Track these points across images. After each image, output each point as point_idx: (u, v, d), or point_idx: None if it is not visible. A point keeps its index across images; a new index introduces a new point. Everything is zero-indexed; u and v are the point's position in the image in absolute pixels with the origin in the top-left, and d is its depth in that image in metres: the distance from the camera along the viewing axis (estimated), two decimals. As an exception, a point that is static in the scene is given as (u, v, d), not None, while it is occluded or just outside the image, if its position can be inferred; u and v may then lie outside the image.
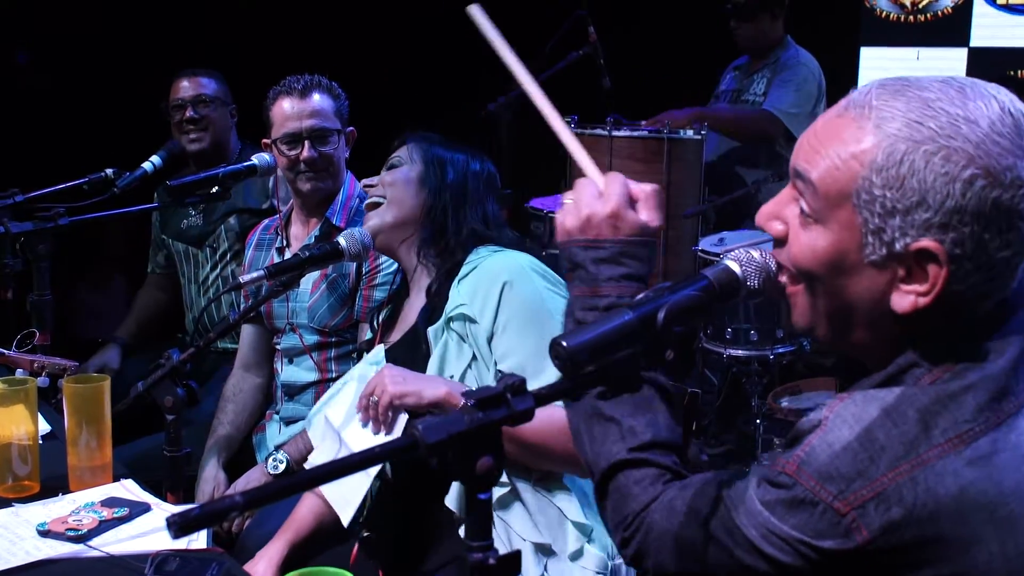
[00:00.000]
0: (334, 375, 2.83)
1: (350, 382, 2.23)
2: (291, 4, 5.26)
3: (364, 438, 2.10)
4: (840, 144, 1.24)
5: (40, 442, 2.17)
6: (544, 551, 2.05)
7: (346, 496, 2.16)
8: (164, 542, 1.85)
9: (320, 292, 2.83)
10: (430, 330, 2.17)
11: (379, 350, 2.31)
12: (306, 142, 2.82)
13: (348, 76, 3.02)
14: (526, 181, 4.40)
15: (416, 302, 2.31)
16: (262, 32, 5.05)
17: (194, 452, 2.64)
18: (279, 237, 2.99)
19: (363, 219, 2.82)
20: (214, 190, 2.94)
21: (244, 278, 2.27)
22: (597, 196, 1.45)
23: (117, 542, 1.89)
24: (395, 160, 2.34)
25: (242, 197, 3.50)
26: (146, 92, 3.82)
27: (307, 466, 2.31)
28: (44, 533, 1.90)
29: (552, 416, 2.00)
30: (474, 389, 2.03)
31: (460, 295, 2.14)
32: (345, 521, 2.16)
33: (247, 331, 3.03)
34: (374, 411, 2.06)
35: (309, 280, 2.81)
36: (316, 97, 2.85)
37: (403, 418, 2.07)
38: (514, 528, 2.05)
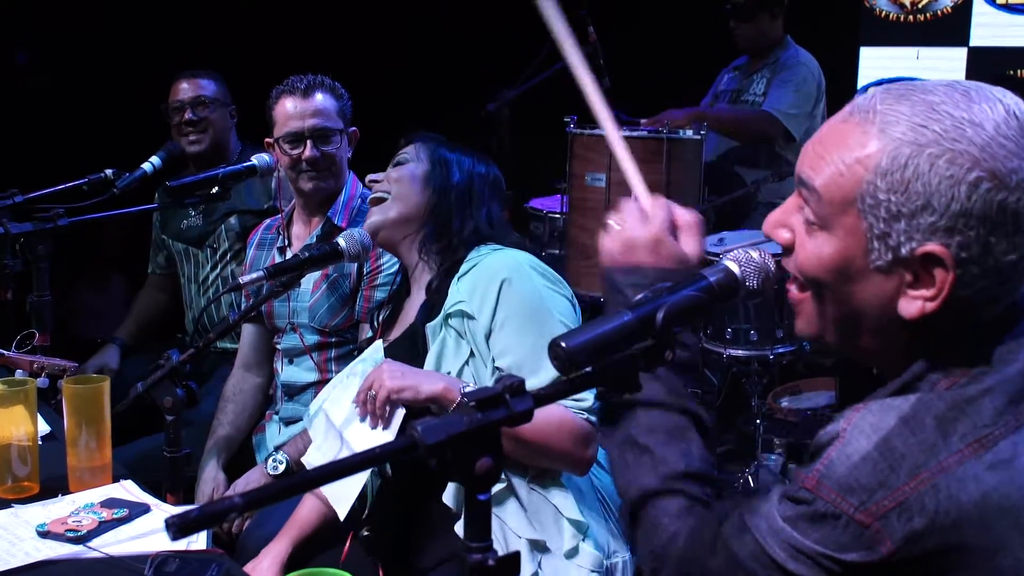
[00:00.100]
0: (334, 376, 2.82)
1: (351, 379, 2.23)
2: (291, 5, 5.26)
3: (366, 438, 2.10)
4: (844, 149, 1.24)
5: (40, 443, 2.16)
6: (539, 548, 2.05)
7: (342, 490, 2.16)
8: (164, 543, 1.85)
9: (321, 292, 2.83)
10: (428, 326, 2.17)
11: (378, 345, 2.31)
12: (308, 141, 2.82)
13: (348, 76, 3.02)
14: (526, 181, 4.40)
15: (416, 300, 2.31)
16: (262, 33, 5.05)
17: (194, 453, 2.64)
18: (281, 237, 2.99)
19: (366, 215, 2.84)
20: (214, 191, 2.94)
21: (244, 279, 2.27)
22: (641, 220, 1.44)
23: (117, 543, 1.89)
24: (401, 157, 2.35)
25: (243, 197, 3.50)
26: (146, 93, 3.82)
27: (305, 460, 2.31)
28: (44, 534, 1.90)
29: (549, 414, 2.00)
30: (472, 385, 2.05)
31: (459, 292, 2.14)
32: (342, 515, 2.16)
33: (248, 331, 3.03)
34: (372, 405, 2.07)
35: (310, 280, 2.81)
36: (319, 97, 2.85)
37: (400, 413, 2.08)
38: (509, 524, 2.05)
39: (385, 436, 2.07)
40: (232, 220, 3.52)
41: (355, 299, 2.81)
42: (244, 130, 3.70)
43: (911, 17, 5.22)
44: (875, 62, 5.39)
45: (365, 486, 2.24)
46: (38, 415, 2.19)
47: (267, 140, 2.90)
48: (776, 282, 1.43)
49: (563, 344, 1.25)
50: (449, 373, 2.11)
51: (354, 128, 2.95)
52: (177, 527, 1.04)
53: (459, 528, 2.05)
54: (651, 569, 1.37)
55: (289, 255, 2.85)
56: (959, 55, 5.01)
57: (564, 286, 2.19)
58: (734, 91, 4.89)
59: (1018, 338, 1.23)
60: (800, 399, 4.47)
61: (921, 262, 1.20)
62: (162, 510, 2.02)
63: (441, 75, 5.39)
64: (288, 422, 2.89)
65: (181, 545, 1.81)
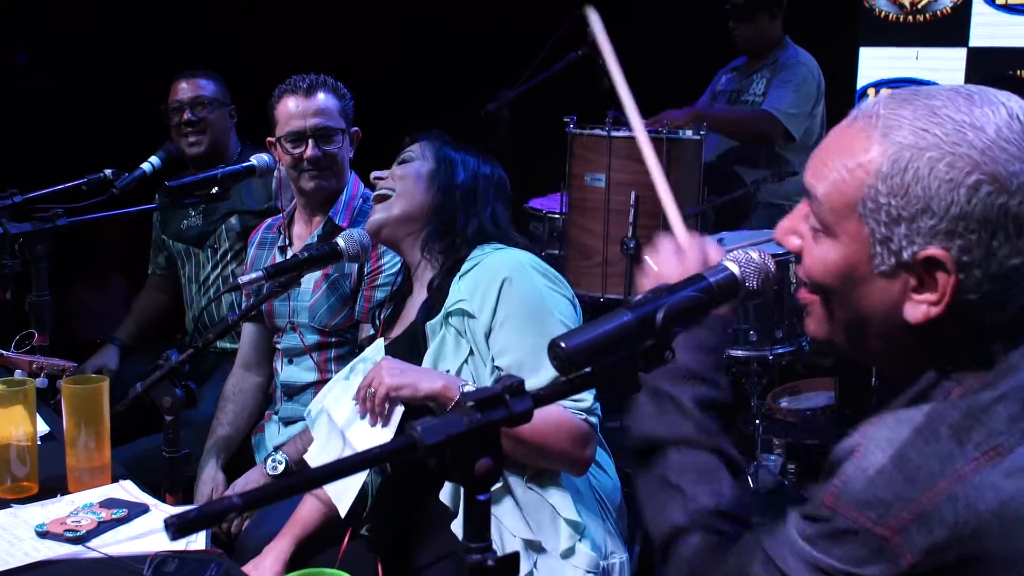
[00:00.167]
0: (333, 376, 2.82)
1: (353, 377, 2.23)
2: (291, 5, 5.26)
3: (367, 436, 2.10)
4: (847, 155, 1.24)
5: (39, 443, 2.16)
6: (534, 548, 2.05)
7: (343, 488, 2.17)
8: (163, 543, 1.85)
9: (321, 292, 2.83)
10: (428, 324, 2.18)
11: (379, 343, 2.32)
12: (310, 140, 2.82)
13: (347, 76, 3.01)
14: (525, 181, 4.39)
15: (418, 298, 2.31)
16: (262, 33, 5.05)
17: (193, 453, 2.63)
18: (282, 236, 2.99)
19: (369, 213, 2.83)
20: (213, 191, 2.94)
21: (243, 279, 2.27)
22: (676, 257, 1.44)
23: (116, 543, 1.89)
24: (407, 155, 2.35)
25: (243, 197, 3.50)
26: (146, 93, 3.82)
27: (307, 458, 2.32)
28: (43, 534, 1.90)
29: (548, 414, 2.00)
30: (471, 384, 2.05)
31: (460, 291, 2.14)
32: (343, 512, 2.16)
33: (248, 330, 3.03)
34: (371, 402, 2.07)
35: (311, 279, 2.81)
36: (321, 96, 2.85)
37: (399, 410, 2.08)
38: (505, 524, 2.05)
39: (385, 434, 2.07)
40: (232, 220, 3.52)
41: (355, 299, 2.81)
42: (244, 130, 3.70)
43: (910, 17, 5.22)
44: (874, 62, 5.39)
45: (366, 484, 2.25)
46: (37, 415, 2.18)
47: (269, 139, 2.90)
48: (776, 283, 1.43)
49: (563, 344, 1.25)
50: (448, 371, 2.11)
51: (356, 128, 2.95)
52: (176, 527, 1.04)
53: (455, 526, 2.06)
54: None
55: (290, 254, 2.84)
56: (958, 55, 5.01)
57: (565, 286, 2.19)
58: (733, 91, 4.89)
59: None
60: (799, 399, 4.47)
61: (923, 266, 1.20)
62: (161, 510, 2.02)
63: (441, 75, 5.39)
64: (287, 422, 2.89)
65: (180, 545, 1.81)
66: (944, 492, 1.14)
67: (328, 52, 4.00)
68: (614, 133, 4.13)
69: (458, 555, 1.17)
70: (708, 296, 1.36)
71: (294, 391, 2.90)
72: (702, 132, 4.30)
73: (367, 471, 2.17)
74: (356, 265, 2.77)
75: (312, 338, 2.86)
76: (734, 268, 1.40)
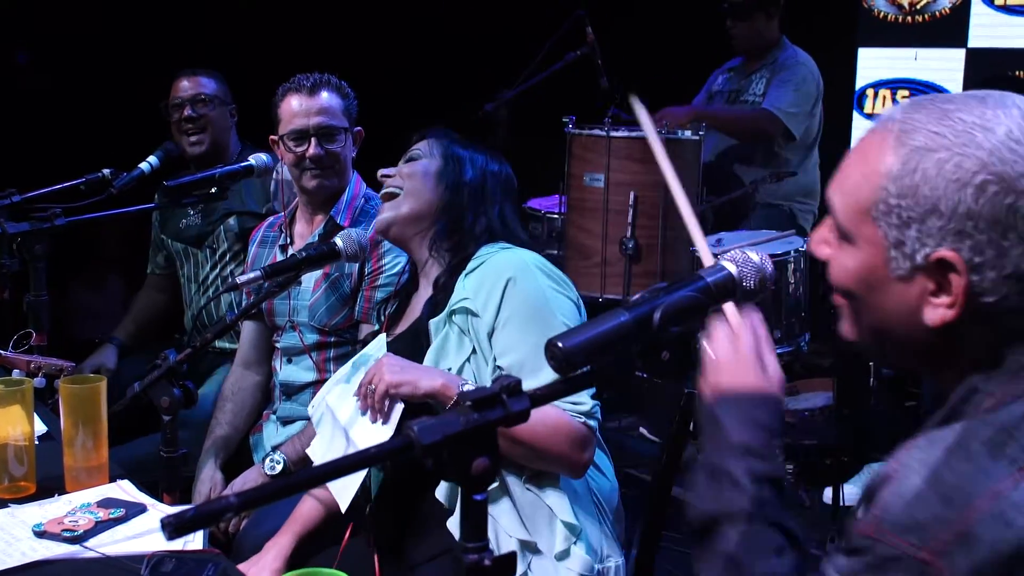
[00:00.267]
0: (332, 376, 2.83)
1: (355, 373, 2.24)
2: (291, 5, 5.26)
3: (369, 434, 2.10)
4: (863, 162, 1.26)
5: (36, 443, 2.16)
6: (530, 549, 2.05)
7: (344, 483, 2.17)
8: (160, 543, 1.84)
9: (321, 291, 2.83)
10: (432, 322, 2.17)
11: (381, 339, 2.32)
12: (313, 139, 2.82)
13: (346, 76, 3.01)
14: (524, 181, 4.39)
15: (424, 295, 2.31)
16: (262, 34, 5.05)
17: (191, 452, 2.63)
18: (283, 234, 2.98)
19: (372, 213, 2.83)
20: (212, 191, 2.93)
21: (241, 279, 2.27)
22: (729, 343, 1.42)
23: (113, 543, 1.89)
24: (414, 153, 2.34)
25: (242, 198, 3.50)
26: (145, 93, 3.82)
27: (309, 452, 2.32)
28: (40, 534, 1.89)
29: (546, 416, 2.00)
30: (471, 383, 2.05)
31: (465, 289, 2.14)
32: (343, 507, 2.17)
33: (248, 328, 3.03)
34: (371, 399, 2.07)
35: (311, 278, 2.81)
36: (325, 95, 2.85)
37: (399, 407, 2.08)
38: (501, 523, 2.04)
39: (386, 432, 2.07)
40: (231, 221, 3.52)
41: (355, 299, 2.81)
42: (245, 131, 3.70)
43: (909, 18, 5.22)
44: (873, 63, 5.39)
45: (367, 481, 2.24)
46: (35, 415, 2.18)
47: (272, 137, 2.90)
48: (774, 283, 1.43)
49: (560, 344, 1.25)
50: (449, 369, 2.11)
51: (359, 128, 2.95)
52: (173, 527, 1.04)
53: (451, 524, 2.06)
54: None
55: (291, 253, 2.84)
56: (957, 56, 5.01)
57: (570, 288, 2.19)
58: (731, 92, 4.89)
59: None
60: (798, 400, 4.47)
61: (937, 268, 1.20)
62: (159, 510, 2.02)
63: (439, 75, 5.39)
64: (286, 422, 2.89)
65: (177, 545, 1.82)
66: (982, 511, 1.12)
67: (327, 52, 4.00)
68: (613, 133, 4.14)
69: (454, 553, 1.17)
70: (706, 296, 1.36)
71: (293, 390, 2.90)
72: (701, 132, 4.30)
73: (368, 468, 2.17)
74: (357, 265, 2.77)
75: (311, 337, 2.86)
76: (732, 268, 1.40)
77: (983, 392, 1.21)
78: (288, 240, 2.97)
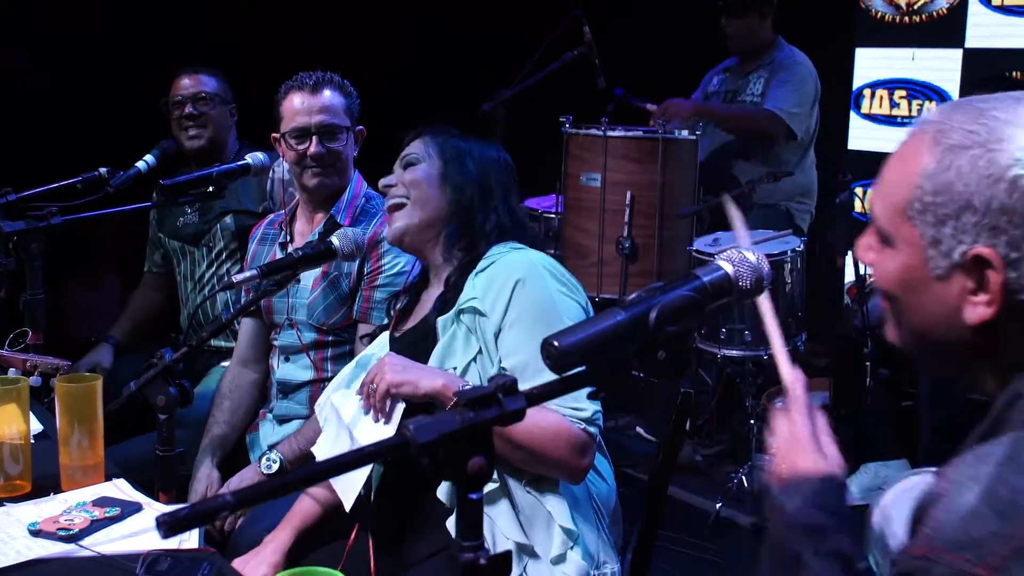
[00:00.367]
0: (329, 375, 2.83)
1: (359, 372, 2.24)
2: (290, 5, 5.26)
3: (372, 432, 2.10)
4: (901, 164, 1.27)
5: (32, 441, 2.16)
6: (526, 552, 2.04)
7: (348, 482, 2.17)
8: (156, 542, 1.84)
9: (320, 290, 2.83)
10: (439, 320, 2.17)
11: (384, 338, 2.31)
12: (314, 137, 2.81)
13: (344, 75, 3.01)
14: (521, 181, 4.41)
15: (434, 292, 2.30)
16: (262, 34, 5.05)
17: (187, 451, 2.63)
18: (283, 232, 2.98)
19: (373, 212, 2.82)
20: (209, 189, 2.93)
21: (237, 277, 2.27)
22: (787, 431, 1.43)
23: (108, 542, 1.89)
24: (411, 157, 2.31)
25: (239, 197, 3.50)
26: (143, 92, 3.81)
27: (314, 451, 2.32)
28: (35, 533, 1.89)
29: (547, 421, 2.00)
30: (470, 384, 2.05)
31: (474, 288, 2.13)
32: (347, 505, 2.17)
33: (246, 325, 3.02)
34: (372, 398, 2.07)
35: (310, 277, 2.81)
36: (327, 93, 2.85)
37: (400, 407, 2.08)
38: (499, 525, 2.04)
39: (389, 431, 2.07)
40: (227, 220, 3.52)
41: (354, 298, 2.81)
42: (244, 131, 3.70)
43: (906, 18, 5.22)
44: (870, 62, 5.39)
45: (370, 476, 2.24)
46: (30, 413, 2.18)
47: (273, 135, 2.90)
48: (770, 282, 1.43)
49: (556, 343, 1.25)
50: (455, 368, 2.10)
51: (361, 127, 2.94)
52: (168, 525, 1.04)
53: (451, 523, 2.05)
54: None
55: (290, 251, 2.84)
56: (955, 56, 5.01)
57: (578, 291, 2.18)
58: (728, 92, 4.90)
59: None
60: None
61: (974, 266, 1.21)
62: (154, 509, 2.02)
63: (436, 75, 5.39)
64: (282, 420, 2.89)
65: (173, 543, 1.81)
66: None
67: (325, 51, 3.99)
68: (610, 133, 4.14)
69: (450, 551, 1.17)
70: (702, 295, 1.36)
71: (290, 389, 2.90)
72: (698, 132, 4.31)
73: (371, 466, 2.17)
74: (356, 264, 2.77)
75: (309, 336, 2.86)
76: (728, 267, 1.40)
77: None
78: (288, 238, 2.97)
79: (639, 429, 4.39)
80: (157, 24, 4.85)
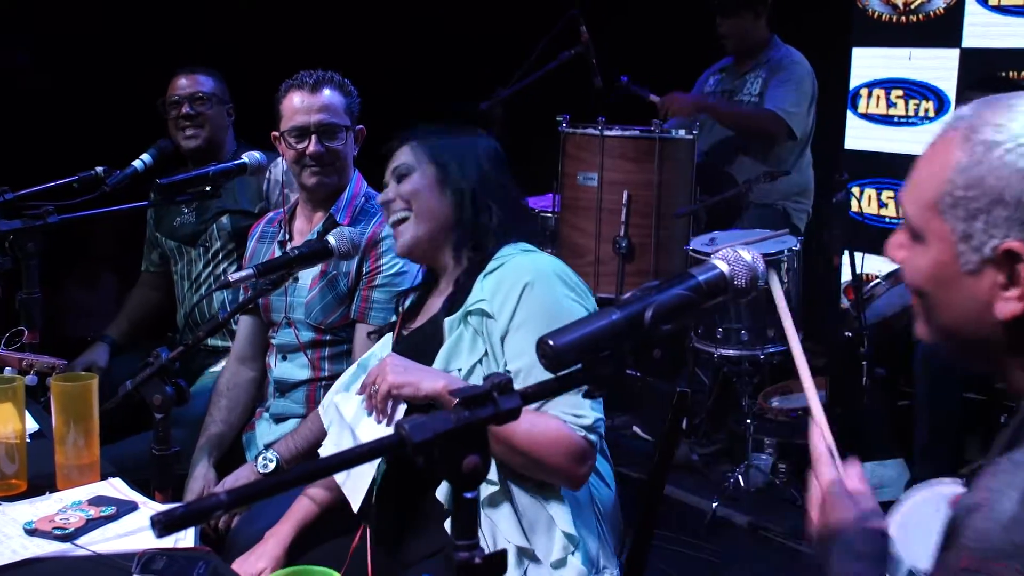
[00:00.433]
0: (327, 374, 2.83)
1: (361, 372, 2.24)
2: (288, 4, 5.25)
3: (374, 434, 2.10)
4: (932, 161, 1.27)
5: (28, 440, 2.16)
6: (527, 555, 2.04)
7: (355, 483, 2.17)
8: (151, 541, 1.84)
9: (317, 289, 2.82)
10: (446, 320, 2.16)
11: (387, 339, 2.31)
12: (313, 136, 2.81)
13: (340, 75, 3.01)
14: (517, 180, 4.41)
15: (443, 292, 2.29)
16: (261, 34, 5.05)
17: (183, 450, 2.63)
18: (282, 231, 2.98)
19: (372, 212, 2.82)
20: (207, 188, 2.93)
21: (233, 276, 2.27)
22: (820, 491, 1.45)
23: (104, 541, 1.89)
24: (403, 168, 2.28)
25: (235, 197, 3.49)
26: (139, 91, 3.81)
27: (321, 453, 2.32)
28: (31, 532, 1.89)
29: (547, 427, 1.99)
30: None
31: (483, 290, 2.12)
32: (355, 506, 2.16)
33: (244, 322, 3.02)
34: (374, 399, 2.07)
35: (308, 276, 2.81)
36: (327, 92, 2.85)
37: (401, 408, 2.08)
38: (500, 528, 2.04)
39: (390, 431, 2.07)
40: (224, 220, 3.52)
41: (352, 298, 2.81)
42: (243, 131, 3.69)
43: (903, 18, 5.22)
44: (867, 62, 5.39)
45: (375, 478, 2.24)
46: (26, 412, 2.18)
47: (273, 133, 2.90)
48: (766, 282, 1.43)
49: (551, 342, 1.25)
50: (460, 370, 2.09)
51: (361, 126, 2.94)
52: (162, 524, 1.04)
53: (448, 523, 2.05)
54: None
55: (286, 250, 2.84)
56: (951, 56, 5.01)
57: (588, 298, 2.16)
58: (725, 92, 4.90)
59: None
60: (790, 399, 4.48)
61: (1005, 260, 1.21)
62: (150, 508, 2.02)
63: (434, 74, 5.39)
64: (278, 419, 2.88)
65: (168, 542, 1.81)
66: None
67: (322, 51, 3.99)
68: (606, 132, 4.15)
69: (446, 551, 1.17)
70: (697, 294, 1.36)
71: (287, 387, 2.89)
72: (695, 132, 4.31)
73: (375, 465, 2.17)
74: (355, 264, 2.77)
75: (307, 335, 2.85)
76: (723, 266, 1.40)
77: None
78: (287, 236, 2.97)
79: (636, 428, 4.39)
80: (155, 23, 4.85)
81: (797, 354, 1.59)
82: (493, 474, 2.03)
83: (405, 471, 2.23)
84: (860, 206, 5.13)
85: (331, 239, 2.35)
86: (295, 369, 2.88)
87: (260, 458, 2.69)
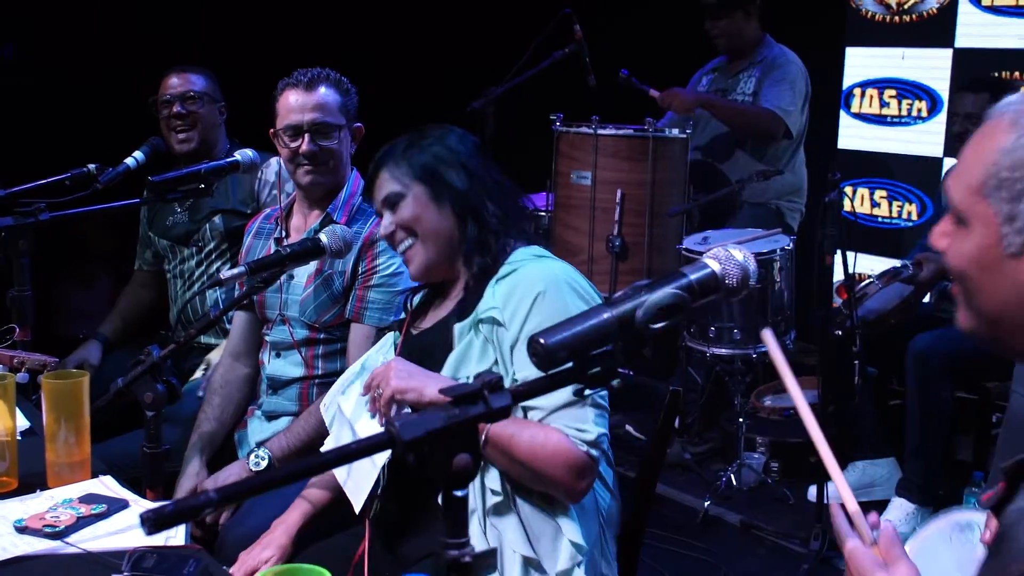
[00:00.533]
0: (320, 372, 2.83)
1: (363, 373, 2.23)
2: (283, 3, 5.25)
3: (375, 430, 2.09)
4: (978, 146, 1.28)
5: (18, 438, 2.16)
6: (533, 566, 2.03)
7: (357, 483, 2.17)
8: (142, 539, 1.84)
9: (313, 287, 2.82)
10: (457, 326, 2.15)
11: (388, 338, 2.30)
12: (306, 135, 2.80)
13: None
14: (512, 179, 4.41)
15: (454, 294, 2.28)
16: (255, 32, 5.04)
17: (175, 448, 2.63)
18: (279, 227, 2.98)
19: (370, 211, 2.81)
20: (200, 186, 2.92)
21: (225, 275, 2.26)
22: (850, 558, 1.42)
23: (94, 539, 1.89)
24: (392, 196, 2.24)
25: (228, 197, 3.49)
26: (133, 89, 3.80)
27: (323, 451, 2.32)
28: (21, 529, 1.89)
29: (548, 440, 1.98)
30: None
31: (495, 297, 2.11)
32: (357, 507, 2.16)
33: (239, 319, 3.01)
34: (377, 403, 2.06)
35: (304, 273, 2.80)
36: (322, 91, 2.84)
37: (404, 412, 2.07)
38: (506, 538, 2.03)
39: None
40: (216, 219, 3.52)
41: (347, 297, 2.80)
42: (237, 130, 3.69)
43: (896, 18, 5.23)
44: (860, 61, 5.41)
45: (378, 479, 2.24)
46: (17, 410, 2.18)
47: (271, 131, 2.89)
48: (757, 280, 1.43)
49: (542, 340, 1.25)
50: (468, 377, 2.08)
51: (359, 124, 2.93)
52: (152, 522, 1.04)
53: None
54: None
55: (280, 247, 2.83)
56: (944, 56, 5.02)
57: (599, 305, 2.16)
58: (719, 91, 4.89)
59: None
60: (783, 398, 4.48)
61: None
62: (141, 506, 2.02)
63: (427, 72, 5.39)
64: (271, 416, 2.88)
65: (159, 540, 1.81)
66: None
67: (316, 50, 3.99)
68: (600, 131, 4.15)
69: (437, 552, 1.17)
70: (688, 293, 1.36)
71: (279, 385, 2.89)
72: (688, 131, 4.32)
73: (379, 466, 2.16)
74: (351, 263, 2.76)
75: (301, 333, 2.85)
76: (714, 265, 1.40)
77: None
78: (283, 233, 2.96)
79: (628, 427, 4.39)
80: (148, 20, 4.84)
81: (805, 415, 1.56)
82: (498, 484, 2.03)
83: (408, 472, 2.23)
84: (852, 206, 5.13)
85: (323, 237, 2.35)
86: (288, 367, 2.87)
87: (252, 456, 2.69)
